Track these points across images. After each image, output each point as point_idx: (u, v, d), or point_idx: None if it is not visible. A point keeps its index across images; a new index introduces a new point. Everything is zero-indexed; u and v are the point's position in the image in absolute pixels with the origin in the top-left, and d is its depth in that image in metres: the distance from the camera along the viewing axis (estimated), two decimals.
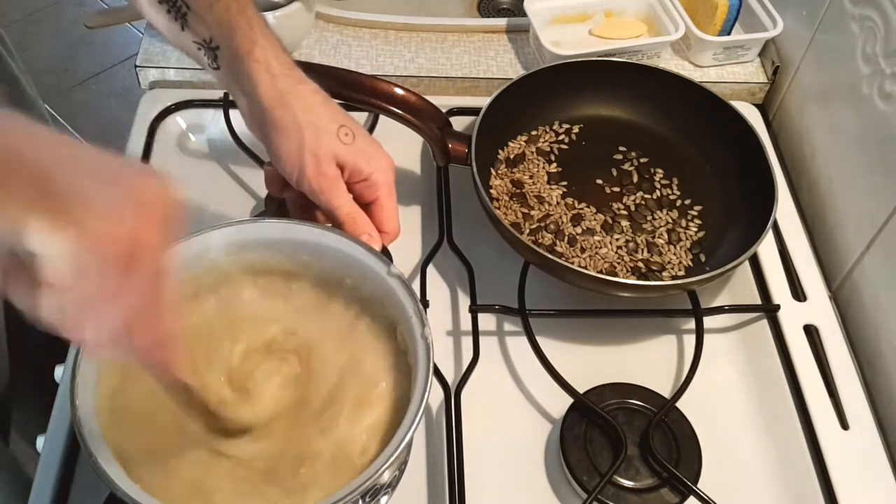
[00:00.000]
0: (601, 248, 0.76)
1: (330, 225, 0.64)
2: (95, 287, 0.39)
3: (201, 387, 0.53)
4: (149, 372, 0.48)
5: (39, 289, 0.38)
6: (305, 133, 0.61)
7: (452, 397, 0.67)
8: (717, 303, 0.77)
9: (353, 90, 0.74)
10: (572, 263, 0.72)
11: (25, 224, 0.37)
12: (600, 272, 0.74)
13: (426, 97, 0.76)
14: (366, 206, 0.65)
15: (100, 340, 0.41)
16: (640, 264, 0.75)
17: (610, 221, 0.78)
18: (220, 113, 0.84)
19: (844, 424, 0.69)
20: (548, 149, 0.84)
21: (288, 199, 0.68)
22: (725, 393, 0.72)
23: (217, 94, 0.87)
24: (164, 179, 0.41)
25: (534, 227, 0.78)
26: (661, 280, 0.74)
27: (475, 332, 0.71)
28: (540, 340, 0.69)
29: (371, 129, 0.84)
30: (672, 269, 0.76)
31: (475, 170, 0.74)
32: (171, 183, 0.41)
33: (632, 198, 0.81)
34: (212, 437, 0.55)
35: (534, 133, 0.85)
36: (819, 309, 0.76)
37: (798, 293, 0.78)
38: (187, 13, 0.61)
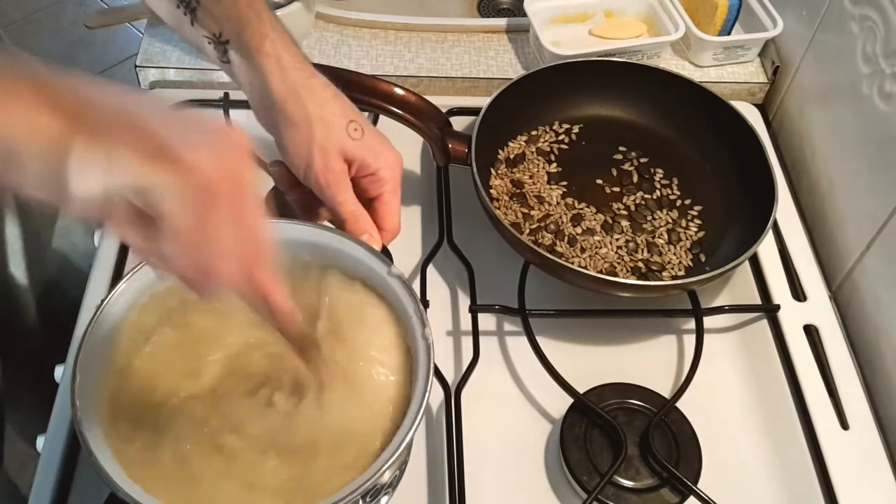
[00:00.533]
0: (601, 248, 0.76)
1: (331, 224, 0.64)
2: (208, 222, 0.42)
3: (295, 312, 0.55)
4: (255, 304, 0.50)
5: (161, 235, 0.42)
6: (315, 127, 0.61)
7: (452, 397, 0.67)
8: (717, 303, 0.77)
9: (353, 90, 0.74)
10: (572, 263, 0.72)
11: (141, 171, 0.40)
12: (600, 272, 0.74)
13: (426, 97, 0.76)
14: (369, 200, 0.65)
15: (222, 277, 0.44)
16: (640, 264, 0.75)
17: (610, 221, 0.78)
18: (219, 113, 0.84)
19: (844, 424, 0.69)
20: (548, 149, 0.84)
21: (292, 201, 0.68)
22: (725, 393, 0.72)
23: (217, 94, 0.87)
24: (235, 125, 0.46)
25: (534, 227, 0.78)
26: (661, 280, 0.74)
27: (475, 332, 0.71)
28: (540, 340, 0.69)
29: None
30: (672, 269, 0.76)
31: (475, 170, 0.74)
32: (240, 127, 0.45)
33: (632, 198, 0.81)
34: (220, 431, 0.56)
35: (534, 133, 0.85)
36: (819, 309, 0.76)
37: (798, 293, 0.78)
38: (196, 8, 0.61)
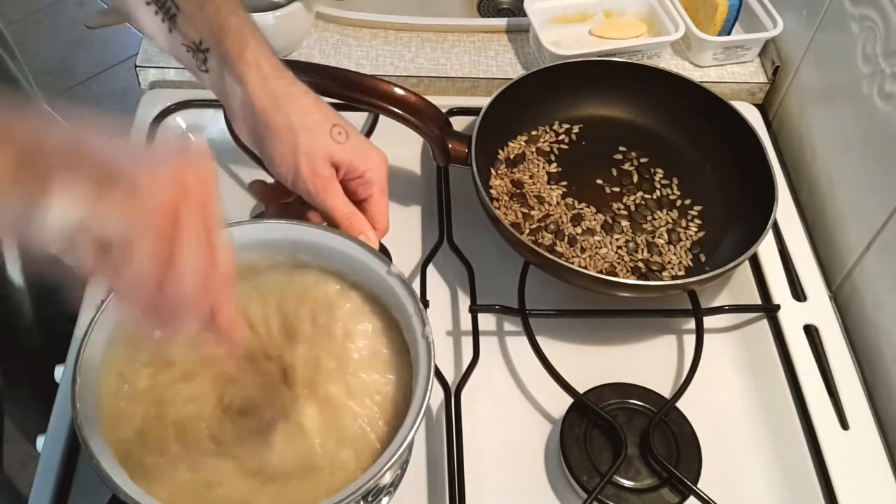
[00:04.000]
0: (601, 248, 0.76)
1: (327, 225, 0.64)
2: (167, 245, 0.40)
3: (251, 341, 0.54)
4: (213, 336, 0.48)
5: (120, 265, 0.40)
6: (299, 134, 0.61)
7: (452, 397, 0.67)
8: (717, 303, 0.77)
9: (353, 90, 0.74)
10: (572, 263, 0.72)
11: (89, 200, 0.39)
12: (600, 272, 0.74)
13: (426, 97, 0.76)
14: (359, 202, 0.65)
15: (187, 304, 0.43)
16: (640, 264, 0.75)
17: (610, 221, 0.78)
18: (220, 113, 0.84)
19: (844, 424, 0.69)
20: (548, 149, 0.84)
21: (269, 214, 0.68)
22: (725, 393, 0.72)
23: None
24: (197, 151, 0.44)
25: (534, 227, 0.78)
26: (661, 280, 0.74)
27: (475, 332, 0.71)
28: (540, 340, 0.69)
29: (371, 129, 0.84)
30: (672, 269, 0.76)
31: (475, 170, 0.74)
32: (201, 152, 0.44)
33: (632, 198, 0.81)
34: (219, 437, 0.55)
35: (534, 133, 0.85)
36: (819, 309, 0.76)
37: (798, 293, 0.78)
38: (177, 14, 0.61)
